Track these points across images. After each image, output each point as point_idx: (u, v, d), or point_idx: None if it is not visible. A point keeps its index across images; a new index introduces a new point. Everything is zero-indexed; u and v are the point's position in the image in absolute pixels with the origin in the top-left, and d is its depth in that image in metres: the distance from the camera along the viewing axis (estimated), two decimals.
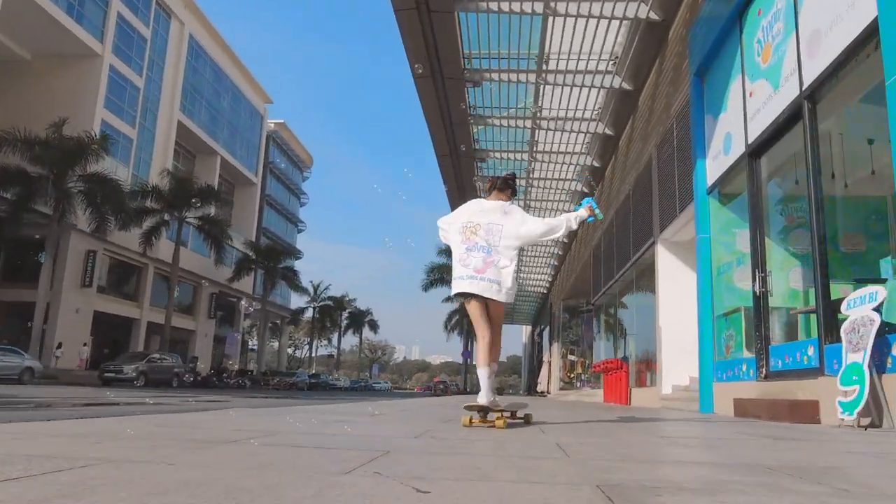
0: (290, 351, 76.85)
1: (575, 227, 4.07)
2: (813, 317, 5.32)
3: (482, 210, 3.96)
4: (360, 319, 68.34)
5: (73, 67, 31.19)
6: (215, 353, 49.19)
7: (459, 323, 48.84)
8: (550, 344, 30.74)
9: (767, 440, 3.39)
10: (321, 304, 58.87)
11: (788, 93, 5.77)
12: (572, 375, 26.40)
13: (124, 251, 33.25)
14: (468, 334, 45.20)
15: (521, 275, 31.30)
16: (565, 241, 23.62)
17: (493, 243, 3.81)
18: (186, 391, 19.53)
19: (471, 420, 3.77)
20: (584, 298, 25.24)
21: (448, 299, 52.76)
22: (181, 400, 10.73)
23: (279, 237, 56.24)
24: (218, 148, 44.84)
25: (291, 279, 44.50)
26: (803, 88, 5.47)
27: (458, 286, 3.85)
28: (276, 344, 69.77)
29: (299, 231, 67.22)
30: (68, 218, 25.64)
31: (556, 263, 26.07)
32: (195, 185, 32.17)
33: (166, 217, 32.10)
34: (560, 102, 13.62)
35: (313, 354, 77.91)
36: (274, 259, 43.38)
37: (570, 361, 26.50)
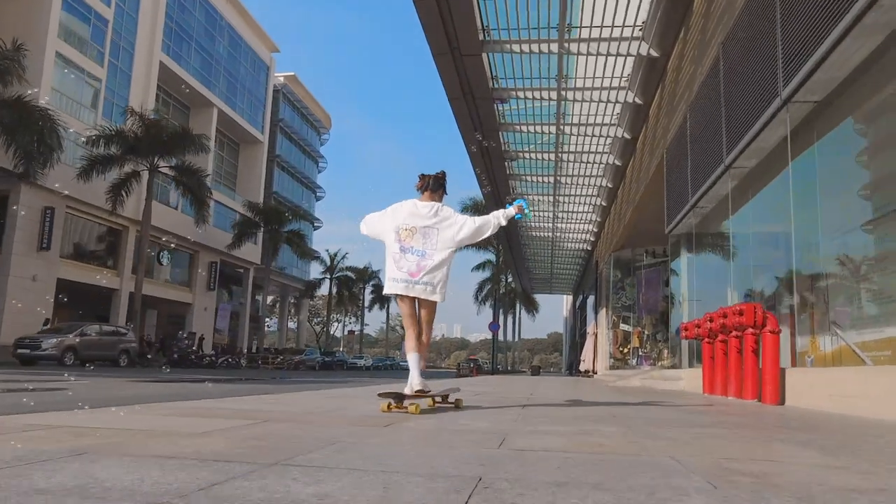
0: (317, 328, 72.70)
1: (504, 223, 4.13)
2: None
3: (418, 213, 4.01)
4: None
5: None
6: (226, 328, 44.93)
7: (492, 293, 43.07)
8: (596, 312, 24.74)
9: None
10: (339, 275, 53.82)
11: None
12: (626, 350, 20.43)
13: (94, 210, 28.57)
14: (497, 304, 39.40)
15: (557, 233, 25.32)
16: (609, 186, 17.63)
17: (428, 248, 3.92)
18: (128, 372, 14.57)
19: (389, 406, 3.77)
20: (644, 246, 19.11)
21: (478, 267, 47.08)
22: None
23: (293, 203, 51.34)
24: (214, 99, 39.83)
25: (298, 244, 39.31)
26: None
27: (392, 287, 3.95)
28: (299, 320, 65.65)
29: (318, 198, 62.32)
30: None
31: (603, 204, 19.99)
32: (167, 128, 27.01)
33: (138, 168, 27.20)
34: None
35: (334, 332, 73.64)
36: (276, 221, 38.27)
37: (624, 332, 20.50)
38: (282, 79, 51.89)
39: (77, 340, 17.91)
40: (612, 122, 14.26)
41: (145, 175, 27.63)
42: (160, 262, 36.07)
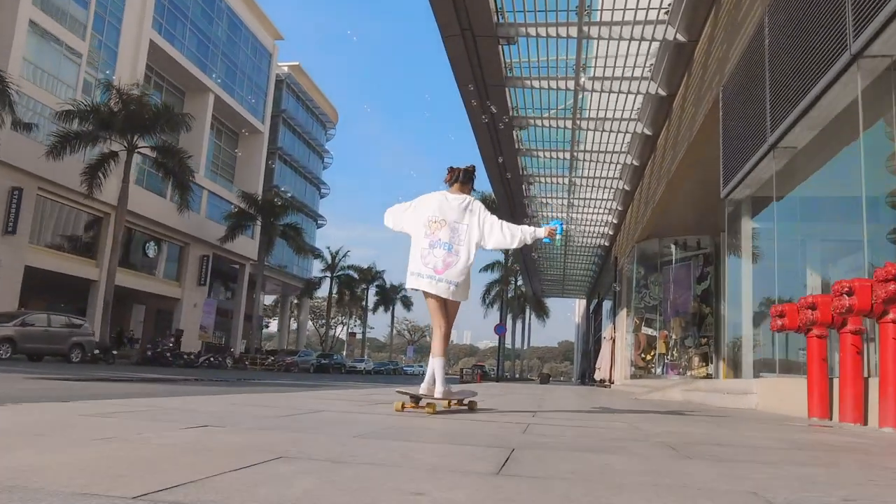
0: (321, 330, 70.15)
1: (529, 241, 3.95)
2: None
3: (448, 205, 3.90)
4: (390, 295, 60.87)
5: None
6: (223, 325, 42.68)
7: (500, 295, 40.45)
8: (614, 314, 22.07)
9: None
10: (340, 273, 51.40)
11: None
12: (650, 357, 17.76)
13: (72, 194, 26.38)
14: (505, 305, 36.75)
15: (570, 225, 22.75)
16: (635, 163, 15.12)
17: (455, 242, 3.82)
18: (72, 369, 12.21)
19: (403, 405, 3.75)
20: (674, 236, 16.48)
21: (486, 268, 44.51)
22: None
23: (295, 199, 49.07)
24: (210, 84, 37.71)
25: (295, 238, 36.95)
26: None
27: (415, 283, 3.84)
28: (300, 321, 63.34)
29: (322, 195, 60.10)
30: None
31: (626, 188, 17.38)
32: (147, 105, 24.78)
33: (115, 148, 25.00)
34: None
35: (338, 335, 71.31)
36: (272, 213, 35.96)
37: (648, 336, 17.83)
38: (286, 68, 49.80)
39: (15, 331, 15.54)
40: (645, 75, 11.70)
41: (124, 156, 25.42)
42: (146, 253, 33.86)
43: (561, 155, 16.03)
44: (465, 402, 4.11)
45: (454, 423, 3.14)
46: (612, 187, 17.88)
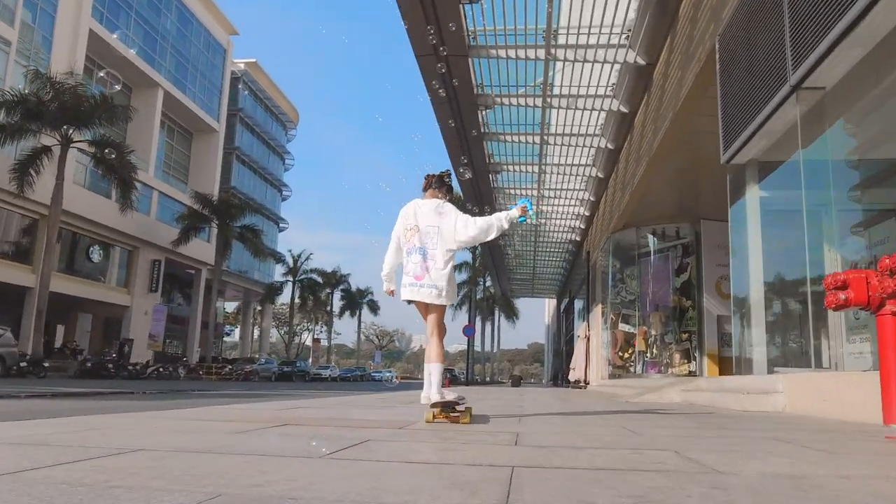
0: (286, 338, 67.66)
1: (506, 226, 3.89)
2: None
3: (420, 212, 3.89)
4: (356, 299, 59.10)
5: None
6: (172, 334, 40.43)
7: (468, 296, 39.20)
8: (588, 311, 21.01)
9: None
10: (303, 277, 49.49)
11: None
12: (628, 355, 16.70)
13: (1, 193, 24.18)
14: (474, 306, 35.54)
15: (540, 219, 21.66)
16: (609, 147, 14.09)
17: (430, 247, 3.77)
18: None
19: (434, 416, 3.59)
20: (651, 225, 15.45)
21: (454, 269, 43.14)
22: None
23: (254, 200, 47.01)
24: (159, 79, 35.64)
25: (252, 240, 35.09)
26: None
27: (403, 293, 3.85)
28: (262, 328, 61.08)
29: (284, 198, 58.11)
30: None
31: (599, 176, 16.31)
32: (84, 97, 22.81)
33: (45, 142, 22.96)
34: None
35: (304, 342, 69.20)
36: (228, 215, 34.05)
37: (626, 333, 16.78)
38: (242, 65, 47.84)
39: None
40: (622, 42, 10.57)
41: (61, 152, 23.37)
42: (90, 258, 31.62)
43: (530, 139, 14.84)
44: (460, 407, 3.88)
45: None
46: (584, 175, 16.78)
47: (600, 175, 16.19)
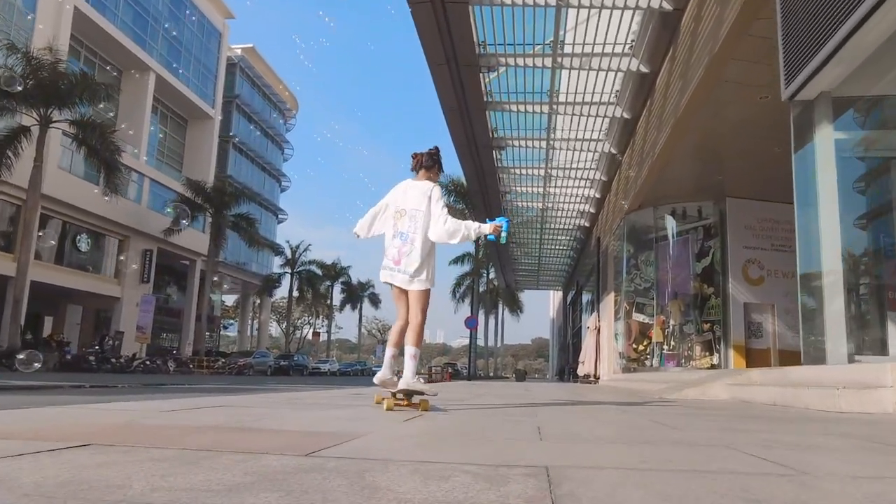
0: (288, 331, 66.27)
1: (473, 238, 3.86)
2: None
3: (411, 194, 3.85)
4: (357, 293, 57.84)
5: None
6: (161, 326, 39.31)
7: (471, 288, 37.87)
8: (598, 301, 19.65)
9: None
10: (301, 269, 48.20)
11: None
12: (643, 347, 15.36)
13: None
14: (476, 298, 34.21)
15: (549, 202, 20.34)
16: (625, 116, 12.73)
17: (412, 231, 3.75)
18: None
19: (384, 400, 3.63)
20: (671, 203, 14.10)
21: (455, 261, 41.98)
22: None
23: (251, 190, 45.67)
24: (151, 62, 34.30)
25: (247, 230, 33.81)
26: None
27: (382, 276, 3.84)
28: (261, 321, 59.86)
29: (283, 189, 56.80)
30: None
31: (612, 152, 14.93)
32: (64, 74, 21.52)
33: (22, 122, 21.69)
34: None
35: (305, 336, 68.06)
36: (223, 203, 32.77)
37: (640, 324, 15.44)
38: (238, 51, 46.48)
39: None
40: None
41: (39, 132, 22.08)
42: (77, 247, 30.40)
43: (538, 108, 13.46)
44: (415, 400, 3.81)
45: None
46: (596, 150, 15.40)
47: (613, 151, 14.81)
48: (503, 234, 3.79)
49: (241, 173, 47.39)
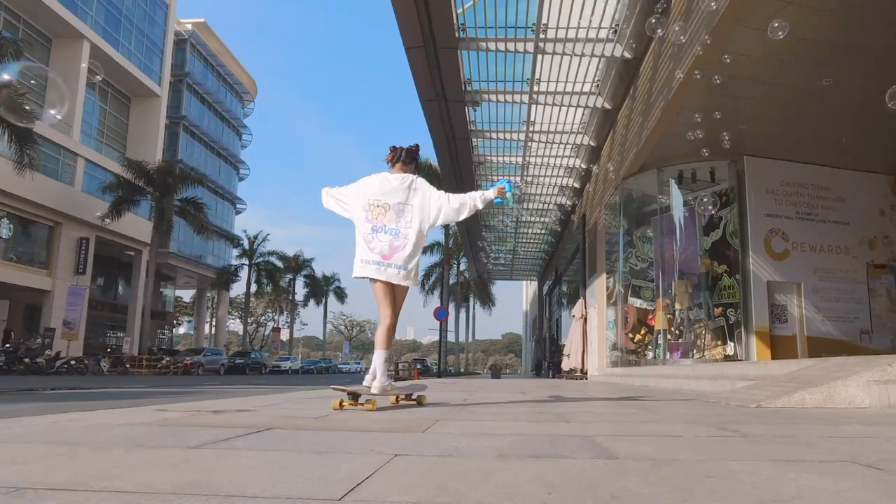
0: (250, 329, 62.80)
1: (480, 207, 3.79)
2: None
3: (390, 187, 3.71)
4: (321, 287, 54.95)
5: None
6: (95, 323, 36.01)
7: (442, 277, 35.47)
8: (584, 285, 17.41)
9: None
10: (260, 260, 45.11)
11: None
12: (640, 337, 13.14)
13: None
14: (446, 290, 31.83)
15: (526, 176, 18.10)
16: (626, 55, 10.45)
17: (402, 226, 3.66)
18: None
19: (341, 403, 3.52)
20: (678, 164, 11.88)
21: (425, 250, 39.42)
22: None
23: (204, 176, 42.29)
24: (84, 29, 30.92)
25: (195, 215, 30.75)
26: None
27: (362, 270, 3.65)
28: (217, 317, 56.46)
29: (241, 178, 53.50)
30: None
31: (605, 108, 12.63)
32: None
33: None
34: None
35: (268, 333, 64.80)
36: (167, 186, 29.64)
37: (638, 310, 13.23)
38: (189, 26, 43.09)
39: None
40: None
41: None
42: None
43: (520, 45, 11.07)
44: (414, 396, 3.96)
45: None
46: (584, 105, 13.08)
47: (607, 105, 12.53)
48: (508, 195, 3.77)
49: (194, 158, 44.04)
